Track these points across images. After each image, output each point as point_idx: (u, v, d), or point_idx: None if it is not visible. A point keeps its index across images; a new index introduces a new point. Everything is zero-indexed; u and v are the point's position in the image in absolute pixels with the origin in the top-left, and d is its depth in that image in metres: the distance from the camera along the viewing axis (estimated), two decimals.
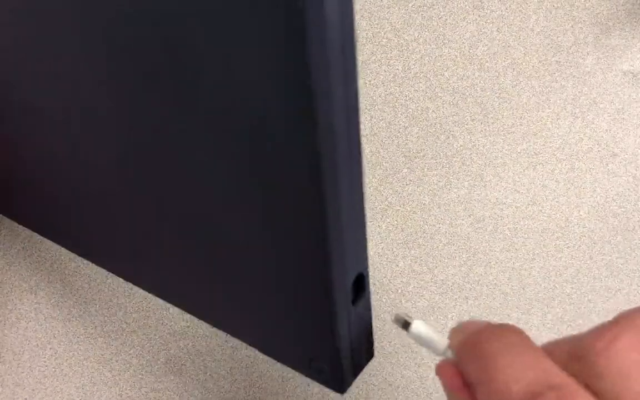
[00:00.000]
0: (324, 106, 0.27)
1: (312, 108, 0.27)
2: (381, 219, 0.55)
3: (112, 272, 0.49)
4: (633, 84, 0.64)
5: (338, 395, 0.47)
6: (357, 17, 0.71)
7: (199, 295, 0.43)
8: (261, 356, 0.48)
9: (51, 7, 0.35)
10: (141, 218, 0.41)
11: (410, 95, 0.65)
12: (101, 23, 0.33)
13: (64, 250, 0.54)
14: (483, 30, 0.70)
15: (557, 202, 0.56)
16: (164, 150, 0.35)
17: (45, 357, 0.49)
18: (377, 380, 0.46)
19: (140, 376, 0.47)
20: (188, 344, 0.48)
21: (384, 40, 0.70)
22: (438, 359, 0.48)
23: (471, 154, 0.60)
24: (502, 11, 0.71)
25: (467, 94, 0.65)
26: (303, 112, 0.27)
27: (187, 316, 0.50)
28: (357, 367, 0.37)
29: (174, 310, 0.50)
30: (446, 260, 0.53)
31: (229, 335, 0.47)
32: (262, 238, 0.34)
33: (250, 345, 0.41)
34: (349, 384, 0.37)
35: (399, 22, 0.71)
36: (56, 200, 0.47)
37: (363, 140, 0.62)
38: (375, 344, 0.49)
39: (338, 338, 0.34)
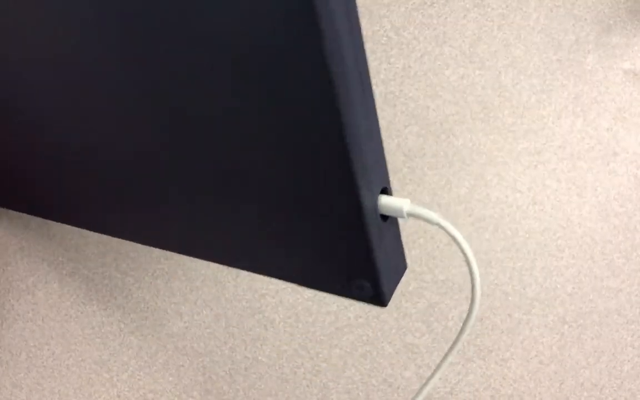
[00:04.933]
0: (329, 20, 0.28)
1: (318, 22, 0.28)
2: None
3: (131, 238, 0.48)
4: (634, 83, 0.63)
5: (336, 393, 0.47)
6: None
7: (231, 242, 0.43)
8: (259, 357, 0.48)
9: None
10: (167, 162, 0.41)
11: (411, 94, 0.64)
12: None
13: (61, 251, 0.54)
14: (484, 29, 0.70)
15: (558, 201, 0.55)
16: (180, 87, 0.36)
17: (42, 358, 0.48)
18: (377, 380, 0.46)
19: (138, 377, 0.47)
20: (186, 345, 0.48)
21: (384, 38, 0.70)
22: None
23: (472, 153, 0.59)
24: (502, 9, 0.71)
25: (468, 92, 0.64)
26: (309, 25, 0.29)
27: (186, 317, 0.50)
28: (394, 279, 0.39)
29: (172, 312, 0.50)
30: (447, 260, 0.52)
31: (231, 327, 0.47)
32: (287, 165, 0.36)
33: (287, 280, 0.42)
34: (389, 296, 0.39)
35: (399, 21, 0.71)
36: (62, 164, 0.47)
37: None
38: (376, 345, 0.48)
39: (373, 252, 0.36)
